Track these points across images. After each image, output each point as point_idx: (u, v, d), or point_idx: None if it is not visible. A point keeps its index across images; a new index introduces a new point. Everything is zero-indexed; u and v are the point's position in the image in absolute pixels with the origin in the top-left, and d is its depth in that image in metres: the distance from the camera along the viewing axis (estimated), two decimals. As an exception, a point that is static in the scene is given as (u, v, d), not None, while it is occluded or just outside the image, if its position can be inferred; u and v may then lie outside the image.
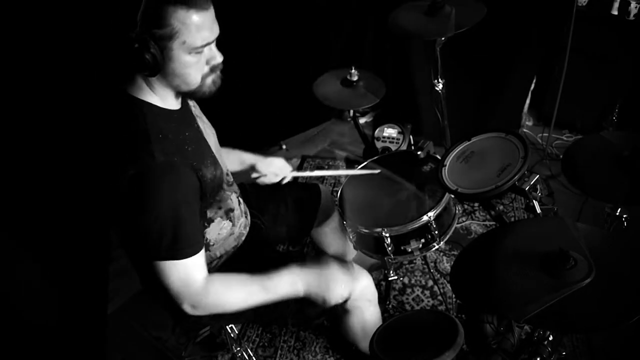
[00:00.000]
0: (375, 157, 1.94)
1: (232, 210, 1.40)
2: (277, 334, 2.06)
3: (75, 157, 1.89)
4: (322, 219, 1.84)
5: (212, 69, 1.16)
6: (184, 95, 1.22)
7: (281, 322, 1.51)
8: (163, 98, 1.18)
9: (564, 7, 2.35)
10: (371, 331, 1.31)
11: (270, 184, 1.63)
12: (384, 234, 1.58)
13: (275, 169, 1.62)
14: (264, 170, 1.61)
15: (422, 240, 1.62)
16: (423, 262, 2.25)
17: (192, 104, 1.36)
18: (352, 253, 1.98)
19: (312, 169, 2.94)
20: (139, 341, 2.12)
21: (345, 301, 1.48)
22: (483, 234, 1.26)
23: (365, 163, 1.89)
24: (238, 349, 1.79)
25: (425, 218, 1.57)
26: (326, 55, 2.90)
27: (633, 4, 2.37)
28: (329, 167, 2.94)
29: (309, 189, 1.82)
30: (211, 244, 1.38)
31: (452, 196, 1.66)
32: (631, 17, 2.40)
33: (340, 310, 1.54)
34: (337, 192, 1.80)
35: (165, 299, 1.19)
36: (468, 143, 1.52)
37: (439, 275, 2.20)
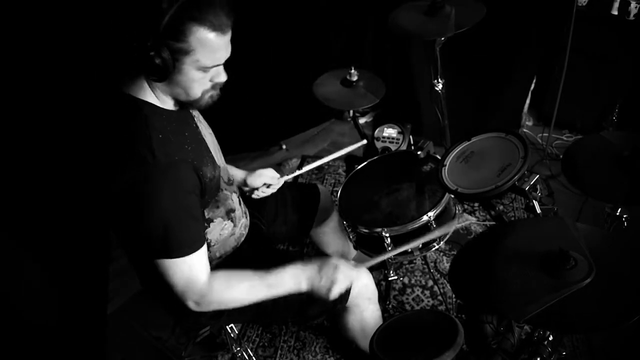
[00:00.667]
0: (375, 157, 1.94)
1: (233, 210, 1.41)
2: (277, 334, 2.06)
3: (75, 157, 1.89)
4: (321, 218, 1.84)
5: (214, 87, 1.18)
6: (180, 103, 1.22)
7: (282, 322, 1.51)
8: (163, 100, 1.18)
9: (564, 7, 2.35)
10: (371, 330, 1.31)
11: (265, 196, 1.65)
12: (384, 234, 1.58)
13: (265, 180, 1.63)
14: (255, 183, 1.62)
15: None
16: (423, 262, 2.25)
17: None
18: (352, 253, 1.98)
19: (311, 169, 2.94)
20: (139, 341, 2.12)
21: (346, 300, 1.48)
22: (482, 234, 1.27)
23: (352, 172, 1.89)
24: (238, 349, 1.79)
25: (425, 218, 1.57)
26: (326, 55, 2.90)
27: (633, 4, 2.37)
28: (329, 167, 2.94)
29: (308, 189, 1.83)
30: (212, 244, 1.38)
31: (452, 196, 1.66)
32: (631, 17, 2.40)
33: (340, 309, 1.54)
34: (337, 192, 1.80)
35: (168, 297, 1.19)
36: (468, 143, 1.52)
37: (439, 275, 2.20)
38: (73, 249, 1.90)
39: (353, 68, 1.98)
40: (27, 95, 1.77)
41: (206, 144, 1.29)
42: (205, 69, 1.11)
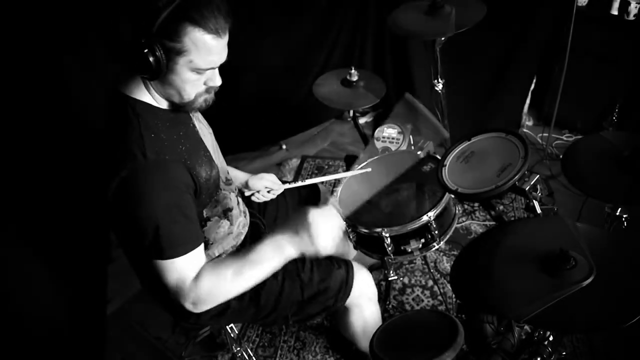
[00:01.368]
0: (375, 157, 1.94)
1: (230, 209, 1.41)
2: (277, 334, 2.06)
3: (74, 157, 1.89)
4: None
5: (208, 90, 1.17)
6: (173, 105, 1.21)
7: (282, 321, 1.50)
8: (158, 100, 1.18)
9: (564, 7, 2.35)
10: (371, 330, 1.31)
11: (265, 200, 1.65)
12: (384, 234, 1.58)
13: (267, 183, 1.63)
14: (257, 186, 1.62)
15: (422, 240, 1.62)
16: (423, 262, 2.25)
17: None
18: (352, 253, 1.98)
19: (312, 169, 2.94)
20: (139, 341, 2.12)
21: (346, 298, 1.48)
22: (483, 234, 1.26)
23: (360, 166, 1.88)
24: (238, 349, 1.79)
25: (425, 218, 1.57)
26: (326, 55, 2.90)
27: (633, 4, 2.37)
28: (329, 167, 2.94)
29: (308, 188, 1.82)
30: (210, 242, 1.38)
31: (452, 196, 1.66)
32: (631, 17, 2.40)
33: (340, 309, 1.54)
34: (337, 192, 1.80)
35: (166, 298, 1.18)
36: (468, 143, 1.52)
37: (439, 275, 2.20)
38: (73, 249, 1.90)
39: (353, 68, 1.98)
40: (29, 97, 1.77)
41: (204, 144, 1.29)
42: (199, 71, 1.09)
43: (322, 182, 1.76)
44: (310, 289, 1.46)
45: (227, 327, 1.68)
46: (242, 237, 1.51)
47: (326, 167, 2.95)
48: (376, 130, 2.18)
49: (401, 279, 2.20)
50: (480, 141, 1.51)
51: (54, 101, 1.89)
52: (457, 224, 2.25)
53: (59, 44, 1.82)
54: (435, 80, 2.12)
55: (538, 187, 1.38)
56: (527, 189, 1.35)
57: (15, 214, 1.64)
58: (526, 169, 1.33)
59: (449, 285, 2.11)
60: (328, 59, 2.91)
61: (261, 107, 2.86)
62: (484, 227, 2.39)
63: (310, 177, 2.87)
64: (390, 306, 2.04)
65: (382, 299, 1.99)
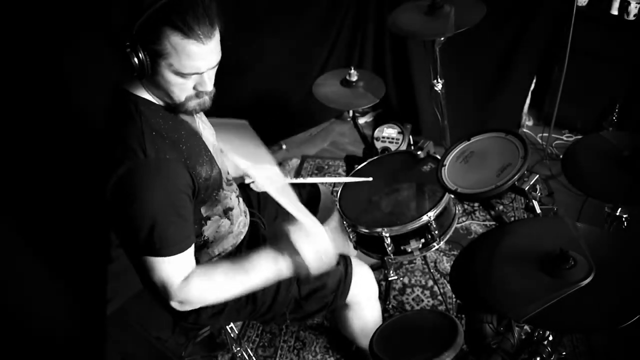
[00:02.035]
0: (375, 157, 1.94)
1: (230, 209, 1.41)
2: (277, 334, 2.06)
3: (75, 156, 1.89)
4: (321, 218, 1.84)
5: (198, 95, 1.15)
6: (168, 105, 1.20)
7: (280, 319, 1.50)
8: (156, 99, 1.18)
9: (564, 7, 2.35)
10: (371, 328, 1.30)
11: (263, 190, 1.62)
12: (384, 234, 1.58)
13: (268, 174, 1.61)
14: (257, 175, 1.60)
15: (422, 240, 1.62)
16: (423, 262, 2.25)
17: None
18: (352, 253, 1.98)
19: (312, 169, 2.95)
20: (139, 341, 2.11)
21: (345, 295, 1.48)
22: (483, 234, 1.26)
23: (359, 167, 1.89)
24: (238, 349, 1.79)
25: (425, 218, 1.57)
26: (326, 55, 2.90)
27: (633, 4, 2.37)
28: (329, 167, 2.94)
29: (309, 188, 1.82)
30: (210, 241, 1.38)
31: (452, 196, 1.66)
32: (631, 17, 2.40)
33: (340, 306, 1.54)
34: (337, 191, 1.80)
35: (158, 295, 1.19)
36: (468, 143, 1.52)
37: (439, 275, 2.20)
38: (73, 249, 1.90)
39: (353, 68, 1.98)
40: (27, 95, 1.77)
41: (205, 143, 1.29)
42: (182, 75, 1.08)
43: (323, 183, 1.77)
44: (307, 285, 1.45)
45: (227, 327, 1.68)
46: (242, 237, 1.51)
47: (326, 167, 2.95)
48: (376, 130, 2.19)
49: (401, 279, 2.20)
50: (480, 141, 1.51)
51: (54, 101, 1.89)
52: (457, 224, 2.25)
53: (59, 40, 1.82)
54: (435, 80, 2.12)
55: (538, 187, 1.38)
56: (526, 189, 1.35)
57: (15, 214, 1.64)
58: (526, 169, 1.33)
59: (449, 285, 2.11)
60: (328, 59, 2.91)
61: (261, 107, 2.86)
62: (484, 227, 2.39)
63: (309, 175, 2.88)
64: (390, 306, 2.04)
65: (382, 299, 1.99)
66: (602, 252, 1.04)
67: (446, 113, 2.25)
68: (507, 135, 1.46)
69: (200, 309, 1.38)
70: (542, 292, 0.97)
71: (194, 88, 1.13)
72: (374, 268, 2.06)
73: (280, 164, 3.00)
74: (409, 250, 1.63)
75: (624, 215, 1.55)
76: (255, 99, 2.83)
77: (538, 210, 1.40)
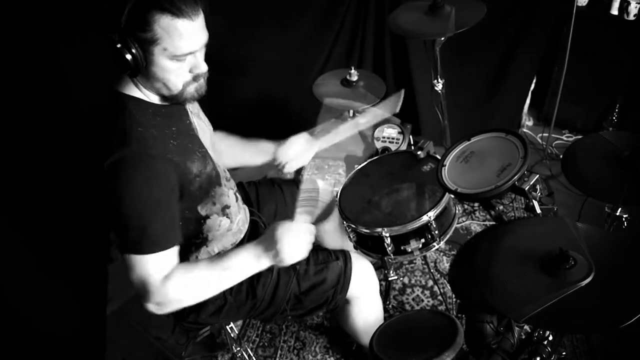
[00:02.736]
0: (375, 157, 1.94)
1: (228, 207, 1.40)
2: (277, 334, 2.06)
3: (74, 155, 1.89)
4: (322, 218, 1.84)
5: (195, 78, 1.15)
6: (166, 99, 1.20)
7: (281, 317, 1.50)
8: (148, 95, 1.18)
9: (563, 7, 2.35)
10: (372, 324, 1.31)
11: (294, 170, 1.59)
12: (384, 234, 1.58)
13: (298, 148, 1.57)
14: (287, 156, 1.58)
15: (422, 240, 1.62)
16: (423, 262, 2.25)
17: None
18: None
19: (312, 169, 2.94)
20: (139, 341, 2.11)
21: (346, 291, 1.48)
22: (481, 232, 1.26)
23: (359, 167, 1.89)
24: (238, 349, 1.79)
25: (425, 218, 1.57)
26: (326, 55, 2.90)
27: (633, 4, 2.37)
28: (329, 167, 2.94)
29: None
30: (209, 239, 1.38)
31: (452, 196, 1.66)
32: (631, 17, 2.40)
33: (341, 302, 1.53)
34: (337, 191, 1.80)
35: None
36: (468, 143, 1.52)
37: (439, 275, 2.20)
38: (73, 249, 1.90)
39: (353, 68, 1.98)
40: (26, 94, 1.77)
41: (199, 140, 1.28)
42: (177, 58, 1.08)
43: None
44: (306, 280, 1.45)
45: (227, 327, 1.68)
46: (242, 235, 1.51)
47: (326, 167, 2.96)
48: (376, 130, 2.18)
49: (401, 279, 2.20)
50: (480, 141, 1.51)
51: (54, 100, 1.89)
52: (457, 224, 2.25)
53: (53, 35, 1.81)
54: (435, 80, 2.12)
55: (538, 187, 1.38)
56: (526, 189, 1.35)
57: (14, 214, 1.64)
58: (526, 169, 1.33)
59: (449, 285, 2.11)
60: (328, 58, 2.91)
61: (261, 107, 2.86)
62: (484, 227, 2.39)
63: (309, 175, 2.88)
64: (390, 306, 2.04)
65: (382, 299, 1.99)
66: (602, 252, 1.04)
67: (446, 113, 2.25)
68: (507, 135, 1.45)
69: (200, 307, 1.38)
70: (542, 292, 0.97)
71: (190, 72, 1.13)
72: (374, 268, 2.07)
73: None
74: (409, 250, 1.63)
75: (624, 215, 1.55)
76: (255, 99, 2.83)
77: (538, 210, 1.39)
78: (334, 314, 1.80)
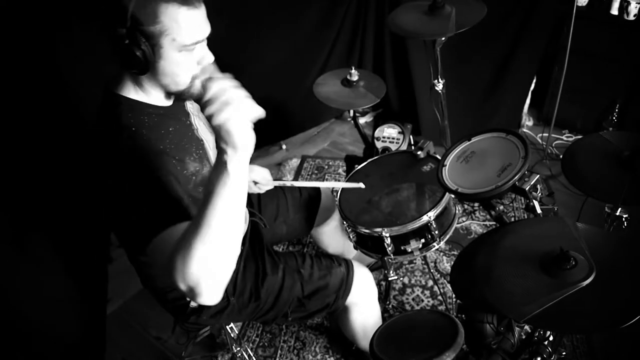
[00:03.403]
0: (375, 157, 1.94)
1: None
2: (277, 334, 2.06)
3: (74, 155, 1.89)
4: (322, 218, 1.84)
5: (204, 71, 1.13)
6: (173, 96, 1.20)
7: (282, 319, 1.50)
8: (149, 94, 1.16)
9: (563, 7, 2.35)
10: (371, 329, 1.30)
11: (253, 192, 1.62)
12: (384, 234, 1.58)
13: (256, 177, 1.58)
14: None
15: (422, 240, 1.62)
16: (423, 262, 2.25)
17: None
18: (352, 253, 1.98)
19: (312, 169, 2.94)
20: (139, 341, 2.12)
21: (346, 296, 1.49)
22: (483, 234, 1.26)
23: (359, 167, 1.88)
24: (238, 349, 1.79)
25: (425, 218, 1.57)
26: (326, 55, 2.90)
27: (633, 4, 2.37)
28: (329, 167, 2.94)
29: (310, 189, 1.82)
30: None
31: (452, 196, 1.66)
32: (631, 17, 2.40)
33: (340, 306, 1.54)
34: (337, 192, 1.80)
35: (164, 297, 1.17)
36: (468, 143, 1.52)
37: (439, 275, 2.20)
38: (73, 249, 1.90)
39: (353, 68, 1.98)
40: (27, 94, 1.77)
41: (199, 140, 1.28)
42: (187, 49, 1.07)
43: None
44: (310, 284, 1.46)
45: (227, 327, 1.68)
46: (242, 234, 1.50)
47: (326, 167, 2.95)
48: (376, 130, 2.18)
49: (401, 279, 2.20)
50: (481, 141, 1.51)
51: (55, 100, 1.89)
52: (457, 224, 2.25)
53: (52, 33, 1.81)
54: (435, 80, 2.12)
55: (538, 187, 1.38)
56: (527, 189, 1.35)
57: (14, 214, 1.64)
58: (526, 169, 1.33)
59: (449, 285, 2.11)
60: (328, 58, 2.91)
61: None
62: (484, 227, 2.39)
63: (309, 175, 2.88)
64: (390, 306, 2.04)
65: (382, 299, 1.99)
66: (603, 252, 1.04)
67: (446, 113, 2.25)
68: (508, 135, 1.45)
69: (202, 308, 1.38)
70: (542, 292, 0.97)
71: (198, 64, 1.12)
72: (374, 268, 2.07)
73: (280, 164, 3.00)
74: (409, 250, 1.63)
75: (624, 215, 1.54)
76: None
77: (538, 210, 1.39)
78: (332, 315, 1.80)
